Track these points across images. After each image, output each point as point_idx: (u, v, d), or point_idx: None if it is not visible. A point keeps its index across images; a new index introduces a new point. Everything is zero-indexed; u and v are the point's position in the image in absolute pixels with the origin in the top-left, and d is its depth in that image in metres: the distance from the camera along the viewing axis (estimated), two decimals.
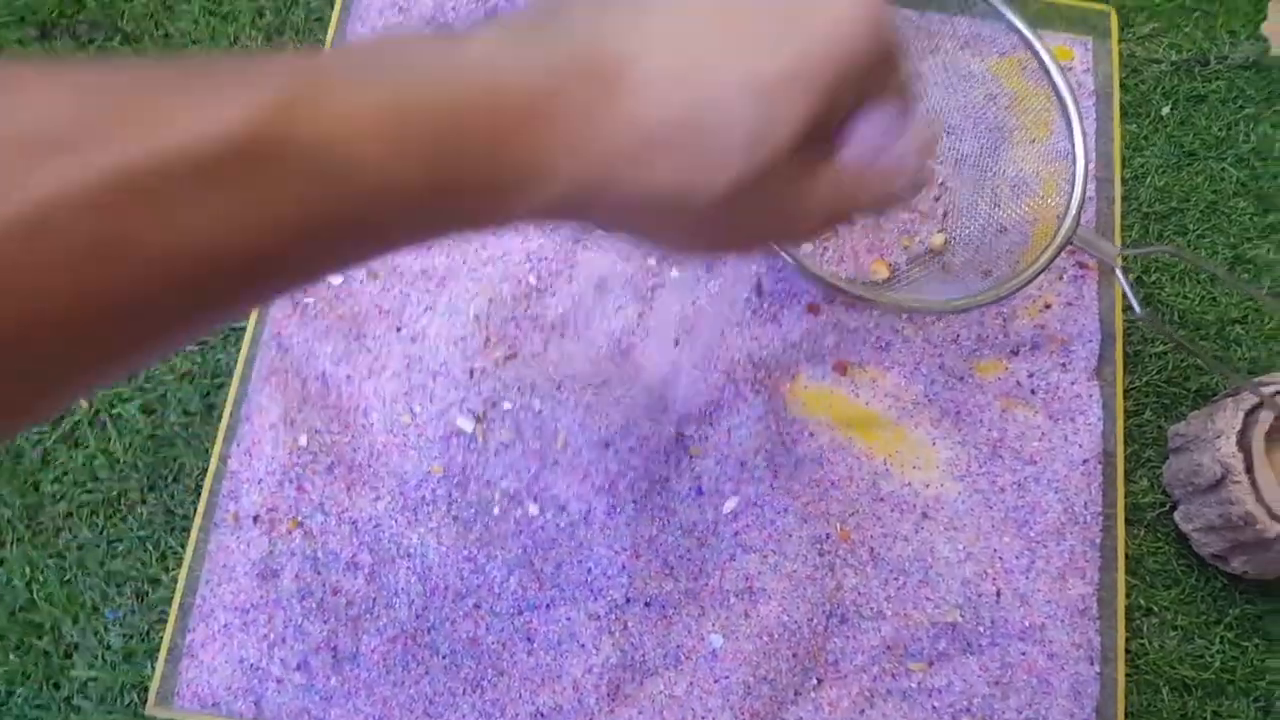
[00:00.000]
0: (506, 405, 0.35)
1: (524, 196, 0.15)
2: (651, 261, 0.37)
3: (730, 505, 0.34)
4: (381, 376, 0.35)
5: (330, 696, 0.32)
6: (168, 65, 0.14)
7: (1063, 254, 0.32)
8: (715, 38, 0.15)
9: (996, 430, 0.36)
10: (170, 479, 0.36)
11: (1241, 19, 0.43)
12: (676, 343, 0.36)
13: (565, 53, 0.15)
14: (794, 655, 0.33)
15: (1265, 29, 0.43)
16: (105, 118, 0.12)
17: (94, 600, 0.35)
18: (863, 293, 0.31)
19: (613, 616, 0.33)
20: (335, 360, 0.36)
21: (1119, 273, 0.32)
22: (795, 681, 0.33)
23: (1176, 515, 0.36)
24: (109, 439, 0.36)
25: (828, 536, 0.34)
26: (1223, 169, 0.41)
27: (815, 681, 0.33)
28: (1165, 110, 0.42)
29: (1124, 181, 0.40)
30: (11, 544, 0.35)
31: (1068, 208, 0.31)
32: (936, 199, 0.38)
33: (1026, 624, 0.33)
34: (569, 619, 0.33)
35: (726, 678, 0.32)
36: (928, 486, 0.35)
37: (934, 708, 0.32)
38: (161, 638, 0.33)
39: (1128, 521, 0.36)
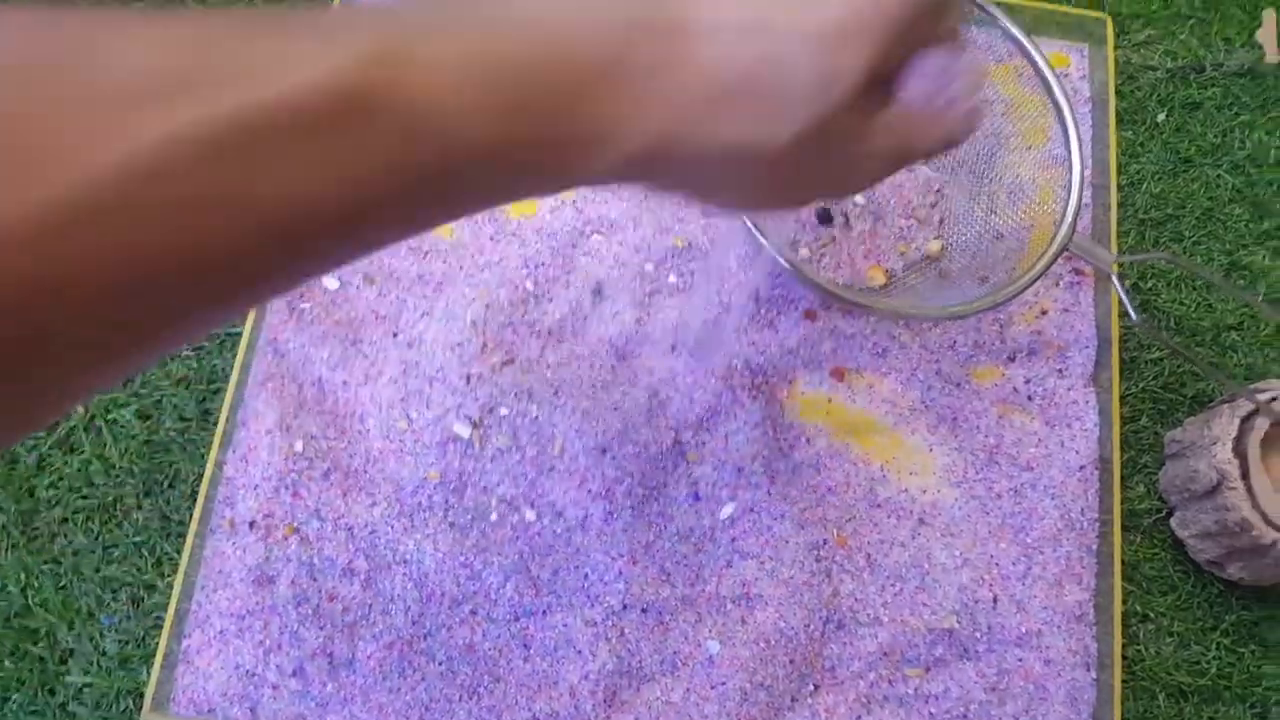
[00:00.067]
0: (503, 411, 0.35)
1: (596, 154, 0.15)
2: (649, 267, 0.37)
3: (727, 511, 0.34)
4: (378, 382, 0.35)
5: (326, 703, 0.32)
6: (260, 16, 0.13)
7: (1059, 260, 0.32)
8: None
9: (993, 436, 0.36)
10: (166, 485, 0.36)
11: (1236, 26, 0.43)
12: (674, 348, 0.36)
13: (634, 7, 0.15)
14: (791, 661, 0.33)
15: (1259, 36, 0.43)
16: (213, 67, 0.12)
17: (89, 606, 0.34)
18: (860, 299, 0.31)
19: (609, 623, 0.33)
20: (331, 366, 0.36)
21: (1115, 279, 0.32)
22: (792, 688, 0.33)
23: (1173, 521, 0.36)
24: (104, 444, 0.36)
25: (824, 542, 0.34)
26: (1218, 175, 0.41)
27: (812, 688, 0.33)
28: (1161, 117, 0.42)
29: (1120, 188, 0.40)
30: (6, 550, 0.35)
31: (1064, 214, 0.32)
32: (933, 206, 0.38)
33: (1023, 630, 0.33)
34: (565, 625, 0.33)
35: (723, 684, 0.32)
36: (924, 492, 0.35)
37: (930, 714, 0.32)
38: (157, 644, 0.33)
39: (1124, 528, 0.36)
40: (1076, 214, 0.31)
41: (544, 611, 0.33)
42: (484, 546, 0.34)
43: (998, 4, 0.33)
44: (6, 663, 0.34)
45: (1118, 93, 0.41)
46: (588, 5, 0.15)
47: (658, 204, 0.38)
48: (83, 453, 0.36)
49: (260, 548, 0.34)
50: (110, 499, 0.36)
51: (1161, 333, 0.38)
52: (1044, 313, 0.37)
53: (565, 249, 0.37)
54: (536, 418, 0.35)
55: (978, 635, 0.33)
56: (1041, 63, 0.32)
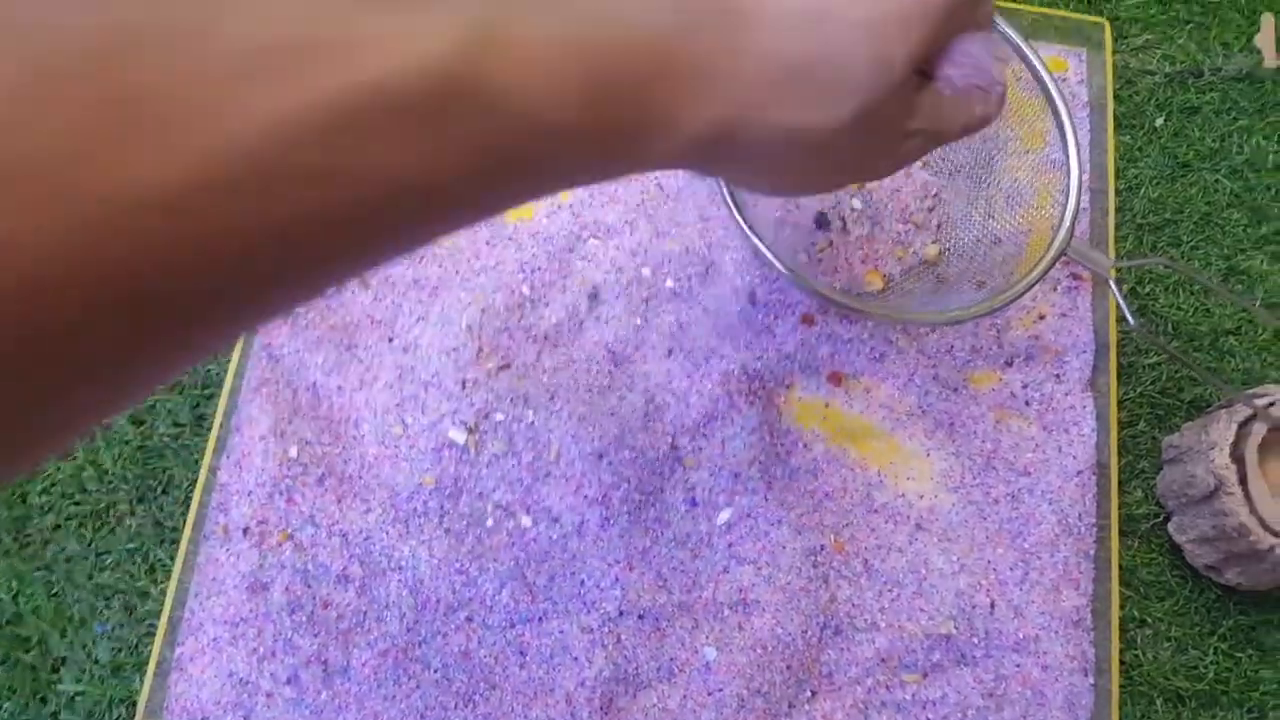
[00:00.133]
0: (499, 416, 0.35)
1: (666, 138, 0.16)
2: (646, 272, 0.37)
3: (724, 517, 0.34)
4: (373, 387, 0.35)
5: (321, 711, 0.32)
6: None
7: (1056, 265, 0.32)
8: None
9: (990, 441, 0.36)
10: (159, 491, 0.36)
11: (1234, 31, 0.43)
12: (670, 353, 0.36)
13: None
14: (788, 667, 0.32)
15: (1257, 41, 0.43)
16: (324, 40, 0.12)
17: (82, 613, 0.34)
18: (857, 304, 0.31)
19: (606, 629, 0.33)
20: (326, 371, 0.35)
21: (1113, 285, 0.32)
22: (789, 694, 0.32)
23: (1170, 527, 0.36)
24: (97, 450, 0.36)
25: (822, 548, 0.34)
26: (1216, 180, 0.41)
27: (809, 694, 0.33)
28: (1159, 122, 0.42)
29: (1118, 193, 0.40)
30: None
31: (1062, 219, 0.31)
32: (930, 210, 0.38)
33: (1020, 635, 0.33)
34: (562, 632, 0.33)
35: (720, 690, 0.32)
36: (922, 498, 0.35)
37: (928, 719, 0.32)
38: (150, 651, 0.33)
39: (1121, 533, 0.36)
40: (1074, 219, 0.31)
41: (540, 618, 0.33)
42: (480, 553, 0.34)
43: (996, 8, 0.33)
44: None
45: (1116, 97, 0.41)
46: None
47: (654, 208, 0.38)
48: (75, 458, 0.36)
49: (254, 554, 0.33)
50: (103, 505, 0.35)
51: (1159, 338, 0.38)
52: (1041, 317, 0.37)
53: (562, 253, 0.37)
54: (533, 423, 0.35)
55: (975, 641, 0.33)
56: (1039, 67, 0.32)
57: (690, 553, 0.34)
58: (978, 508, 0.35)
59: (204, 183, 0.11)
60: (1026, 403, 0.36)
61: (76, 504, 0.36)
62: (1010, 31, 0.32)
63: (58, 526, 0.35)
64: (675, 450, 0.35)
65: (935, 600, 0.33)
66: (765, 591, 0.33)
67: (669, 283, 0.37)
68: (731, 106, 0.16)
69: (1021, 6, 0.40)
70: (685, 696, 0.32)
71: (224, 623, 0.33)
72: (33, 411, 0.11)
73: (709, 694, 0.32)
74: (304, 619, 0.33)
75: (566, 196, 0.38)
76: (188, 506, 0.34)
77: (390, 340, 0.36)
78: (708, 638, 0.33)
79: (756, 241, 0.31)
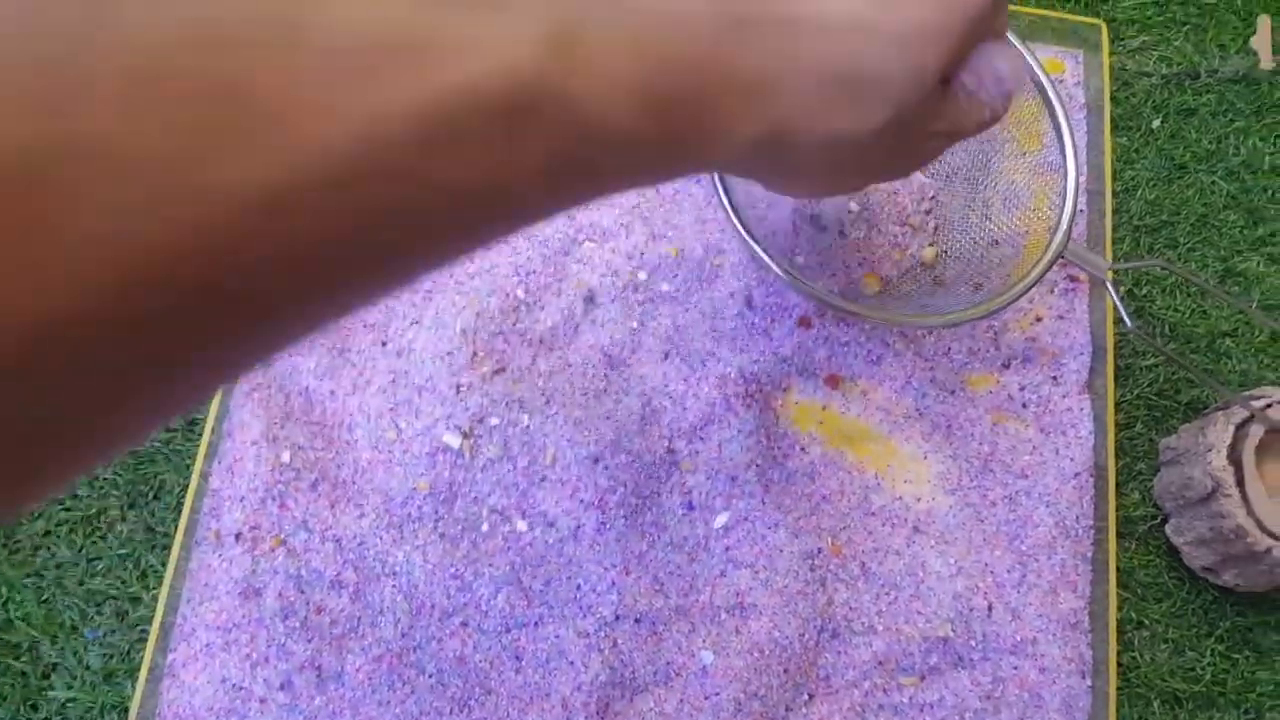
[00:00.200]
0: (494, 421, 0.35)
1: (718, 143, 0.16)
2: (642, 275, 0.37)
3: (721, 520, 0.34)
4: (366, 392, 0.35)
5: (314, 717, 0.32)
6: None
7: (1053, 267, 0.32)
8: None
9: (988, 444, 0.35)
10: (151, 496, 0.35)
11: (1230, 33, 0.43)
12: (667, 356, 0.36)
13: (752, 1, 0.16)
14: (785, 671, 0.32)
15: (1254, 43, 0.43)
16: (410, 42, 0.12)
17: (73, 620, 0.34)
18: (854, 307, 0.31)
19: (602, 634, 0.32)
20: (319, 375, 0.35)
21: (1109, 287, 0.32)
22: (786, 697, 0.32)
23: (1167, 528, 0.36)
24: None
25: (819, 551, 0.34)
26: (1213, 182, 0.41)
27: (806, 697, 0.33)
28: (1156, 123, 0.42)
29: (1115, 194, 0.40)
30: None
31: (1058, 221, 0.31)
32: (928, 213, 0.38)
33: (1018, 638, 0.33)
34: (558, 636, 0.33)
35: (717, 694, 0.32)
36: (919, 500, 0.35)
37: None
38: (142, 657, 0.32)
39: (1119, 535, 0.35)
40: (1071, 221, 0.31)
41: (536, 623, 0.33)
42: (475, 557, 0.33)
43: None
44: None
45: (1113, 99, 0.41)
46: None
47: (650, 211, 0.38)
48: None
49: (247, 560, 0.33)
50: (94, 511, 0.35)
51: (1156, 340, 0.38)
52: (1038, 319, 0.37)
53: (557, 256, 0.37)
54: (528, 427, 0.35)
55: (972, 643, 0.33)
56: (1036, 69, 0.32)
57: (687, 556, 0.34)
58: (975, 510, 0.35)
59: (301, 183, 0.11)
60: (1024, 405, 0.36)
61: (67, 510, 0.35)
62: (1007, 33, 0.32)
63: (48, 532, 0.35)
64: (672, 454, 0.35)
65: (932, 603, 0.33)
66: (762, 595, 0.33)
67: (665, 286, 0.37)
68: (783, 114, 0.17)
69: (1018, 8, 0.40)
70: (682, 701, 0.32)
71: (216, 628, 0.32)
72: (104, 412, 0.11)
73: (706, 698, 0.32)
74: (297, 624, 0.32)
75: None
76: (179, 512, 0.34)
77: (383, 344, 0.36)
78: (704, 641, 0.33)
79: (753, 244, 0.31)
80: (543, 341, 0.36)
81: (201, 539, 0.34)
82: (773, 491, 0.34)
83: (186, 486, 0.34)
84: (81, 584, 0.34)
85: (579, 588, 0.33)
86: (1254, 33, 0.43)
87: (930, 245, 0.37)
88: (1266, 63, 0.42)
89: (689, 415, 0.35)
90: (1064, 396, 0.36)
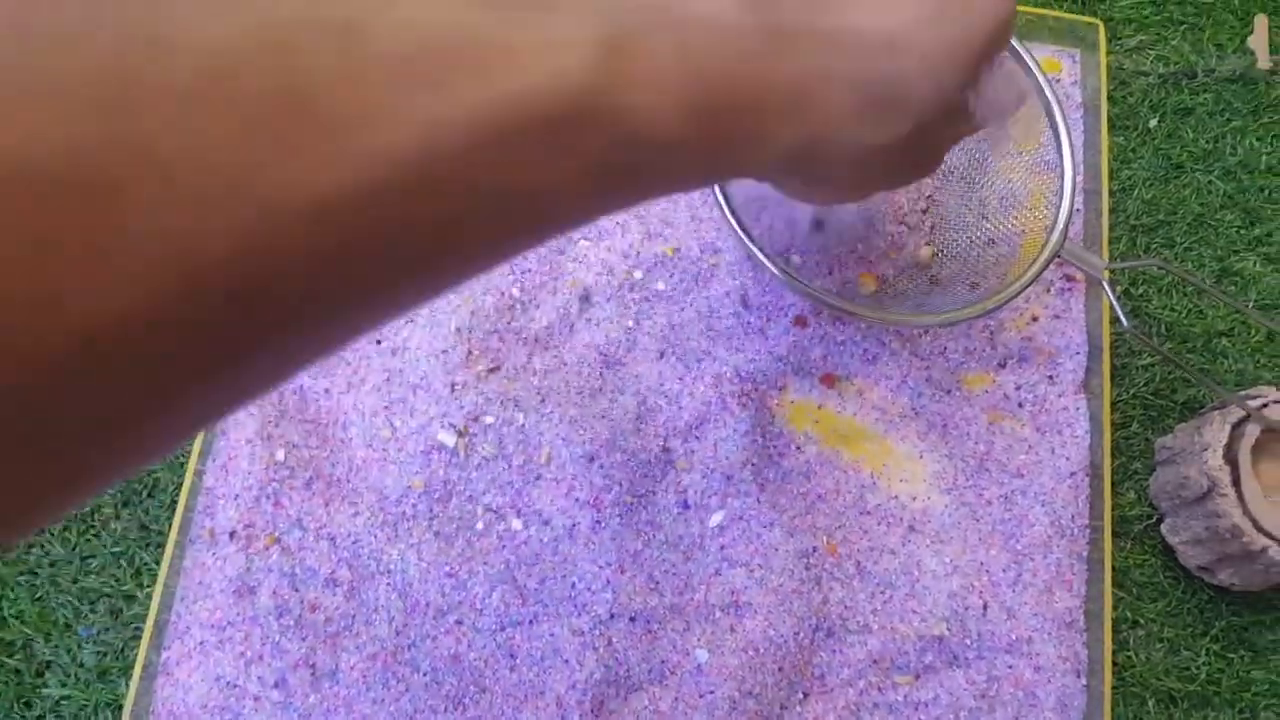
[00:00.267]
0: (489, 419, 0.35)
1: (761, 153, 0.17)
2: (638, 274, 0.37)
3: (716, 519, 0.34)
4: (361, 390, 0.35)
5: (309, 714, 0.32)
6: None
7: (1050, 266, 0.32)
8: (907, 10, 0.18)
9: (983, 443, 0.35)
10: (145, 494, 0.35)
11: (1228, 32, 0.43)
12: (662, 355, 0.36)
13: (795, 15, 0.16)
14: (780, 669, 0.32)
15: (1251, 42, 0.43)
16: (468, 47, 0.12)
17: (67, 617, 0.34)
18: (850, 306, 0.31)
19: (597, 632, 0.32)
20: (313, 373, 0.35)
21: (1106, 286, 0.32)
22: (781, 696, 0.32)
23: (1163, 528, 0.36)
24: None
25: (814, 550, 0.34)
26: (1210, 182, 0.41)
27: (801, 696, 0.33)
28: (1153, 123, 0.42)
29: (1111, 194, 0.40)
30: None
31: (1055, 221, 0.31)
32: (924, 212, 0.38)
33: (1013, 637, 0.33)
34: (552, 635, 0.33)
35: (712, 693, 0.32)
36: (914, 499, 0.35)
37: None
38: (136, 655, 0.32)
39: (1115, 534, 0.35)
40: (1068, 220, 0.31)
41: (530, 621, 0.33)
42: (469, 556, 0.33)
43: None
44: None
45: (1110, 98, 0.41)
46: (752, 5, 0.16)
47: (645, 210, 0.38)
48: None
49: (241, 558, 0.33)
50: (88, 509, 0.35)
51: (1152, 339, 0.38)
52: (1035, 319, 0.37)
53: (552, 255, 0.37)
54: (523, 426, 0.35)
55: (968, 642, 0.33)
56: (1034, 68, 0.32)
57: (682, 555, 0.34)
58: (970, 509, 0.35)
59: (359, 192, 0.11)
60: (1019, 404, 0.36)
61: None
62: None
63: (42, 530, 0.35)
64: (667, 453, 0.35)
65: (928, 602, 0.33)
66: (757, 594, 0.33)
67: (661, 285, 0.37)
68: (818, 125, 0.17)
69: (1016, 7, 0.40)
70: (677, 699, 0.32)
71: (210, 626, 0.32)
72: (145, 418, 0.11)
73: (700, 696, 0.32)
74: (291, 622, 0.32)
75: None
76: (173, 510, 0.34)
77: (378, 343, 0.36)
78: (699, 640, 0.33)
79: (749, 243, 0.31)
80: (538, 340, 0.36)
81: (196, 537, 0.33)
82: (768, 490, 0.34)
83: (181, 484, 0.34)
84: (76, 582, 0.34)
85: (574, 586, 0.33)
86: (1251, 32, 0.43)
87: (927, 244, 0.37)
88: (1264, 62, 0.42)
89: (684, 414, 0.35)
90: (1060, 396, 0.36)
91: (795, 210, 0.37)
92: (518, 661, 0.32)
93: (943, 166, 0.37)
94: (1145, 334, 0.38)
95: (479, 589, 0.33)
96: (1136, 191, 0.41)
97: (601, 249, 0.37)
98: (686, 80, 0.14)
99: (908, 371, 0.36)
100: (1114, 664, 0.34)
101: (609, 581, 0.33)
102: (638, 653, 0.32)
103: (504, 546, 0.33)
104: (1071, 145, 0.32)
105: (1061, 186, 0.32)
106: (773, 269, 0.31)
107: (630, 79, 0.14)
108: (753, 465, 0.34)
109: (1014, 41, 0.32)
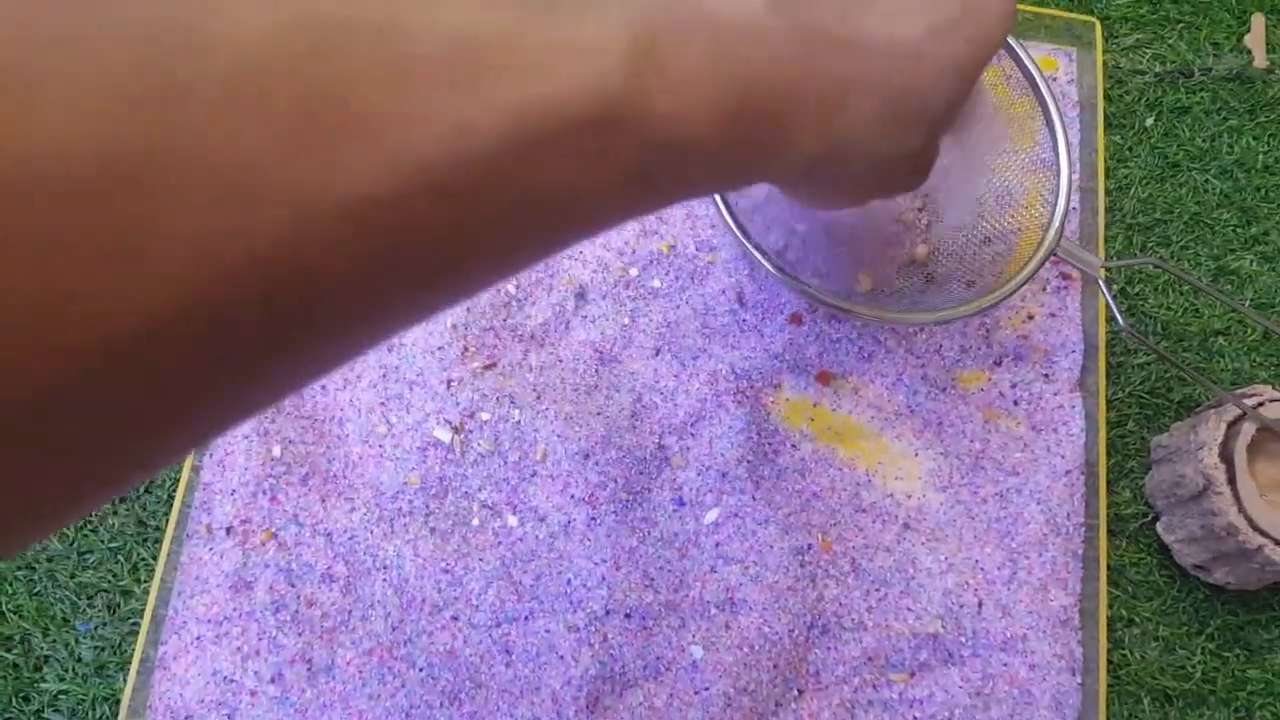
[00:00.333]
0: (485, 416, 0.35)
1: (785, 160, 0.17)
2: (634, 271, 0.37)
3: (711, 516, 0.34)
4: (357, 386, 0.35)
5: (305, 709, 0.32)
6: None
7: (1046, 265, 0.32)
8: (924, 20, 0.18)
9: (979, 441, 0.35)
10: (142, 490, 0.35)
11: (1224, 31, 0.43)
12: (658, 353, 0.36)
13: (824, 21, 0.17)
14: (775, 666, 0.32)
15: (1247, 41, 0.43)
16: (498, 50, 0.12)
17: (64, 612, 0.34)
18: (845, 304, 0.31)
19: (592, 628, 0.32)
20: None
21: (1102, 285, 0.32)
22: (776, 693, 0.32)
23: (1159, 526, 0.36)
24: None
25: (809, 547, 0.34)
26: (1206, 180, 0.41)
27: (796, 693, 0.33)
28: (1149, 121, 0.42)
29: (1108, 192, 0.40)
30: None
31: (1051, 219, 0.31)
32: (920, 209, 0.38)
33: (1008, 635, 0.33)
34: (548, 631, 0.33)
35: (707, 689, 0.32)
36: (910, 497, 0.35)
37: (915, 718, 0.32)
38: (133, 650, 0.32)
39: (1110, 532, 0.35)
40: (1064, 219, 0.31)
41: (526, 617, 0.33)
42: (465, 552, 0.33)
43: None
44: None
45: (1106, 97, 0.41)
46: (781, 8, 0.16)
47: None
48: None
49: (238, 553, 0.33)
50: None
51: (1148, 338, 0.38)
52: (1030, 317, 0.37)
53: None
54: (519, 422, 0.35)
55: (962, 640, 0.33)
56: (1030, 66, 0.32)
57: (677, 552, 0.34)
58: (966, 507, 0.35)
59: (392, 193, 0.11)
60: (1015, 402, 0.36)
61: None
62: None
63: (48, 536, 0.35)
64: (662, 450, 0.35)
65: (923, 599, 0.33)
66: (752, 591, 0.33)
67: (656, 282, 0.37)
68: (839, 134, 0.17)
69: None
70: (672, 695, 0.32)
71: (207, 621, 0.33)
72: (172, 417, 0.11)
73: (695, 693, 0.32)
74: (288, 618, 0.33)
75: None
76: (170, 506, 0.34)
77: None
78: (694, 637, 0.33)
79: (744, 241, 0.31)
80: (534, 337, 0.36)
81: (192, 532, 0.34)
82: (763, 488, 0.34)
83: (177, 480, 0.34)
84: (73, 577, 0.34)
85: (569, 582, 0.33)
86: (1248, 31, 0.43)
87: (923, 242, 0.37)
88: (1260, 61, 0.42)
89: (680, 411, 0.35)
90: (1055, 394, 0.36)
91: (792, 208, 0.37)
92: (513, 657, 0.32)
93: (939, 164, 0.37)
94: (1141, 332, 0.38)
95: (475, 585, 0.33)
96: (1133, 190, 0.41)
97: (597, 246, 0.37)
98: (718, 83, 0.14)
99: (903, 369, 0.36)
100: (1109, 662, 0.34)
101: (604, 578, 0.33)
102: (633, 649, 0.32)
103: (500, 543, 0.33)
104: (1068, 144, 0.32)
105: (1058, 185, 0.32)
106: (768, 266, 0.31)
107: (662, 82, 0.13)
108: (748, 462, 0.34)
109: (1010, 39, 0.32)
